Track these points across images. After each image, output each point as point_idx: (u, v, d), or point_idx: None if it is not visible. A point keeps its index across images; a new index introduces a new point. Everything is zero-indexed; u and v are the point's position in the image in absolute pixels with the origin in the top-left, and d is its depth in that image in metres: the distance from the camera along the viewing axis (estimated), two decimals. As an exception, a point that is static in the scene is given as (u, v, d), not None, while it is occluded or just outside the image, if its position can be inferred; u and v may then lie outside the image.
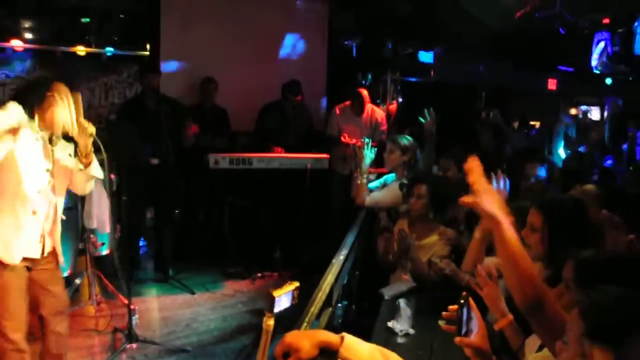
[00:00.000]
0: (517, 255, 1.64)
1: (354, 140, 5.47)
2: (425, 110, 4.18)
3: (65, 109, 2.82)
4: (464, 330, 1.63)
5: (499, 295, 2.17)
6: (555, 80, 7.80)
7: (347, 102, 5.79)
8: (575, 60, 6.97)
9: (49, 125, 2.83)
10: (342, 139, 5.56)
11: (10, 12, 6.09)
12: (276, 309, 1.37)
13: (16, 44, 6.04)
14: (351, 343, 1.33)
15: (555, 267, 2.13)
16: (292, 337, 1.34)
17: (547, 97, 8.05)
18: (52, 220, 2.94)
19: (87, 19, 6.35)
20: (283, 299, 1.38)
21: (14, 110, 2.70)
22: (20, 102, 2.77)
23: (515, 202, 2.70)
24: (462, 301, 1.62)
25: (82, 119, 2.82)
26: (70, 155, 2.94)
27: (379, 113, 5.91)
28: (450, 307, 1.71)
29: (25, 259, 2.82)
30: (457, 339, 1.66)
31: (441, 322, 2.69)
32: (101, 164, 3.06)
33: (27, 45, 6.11)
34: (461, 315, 1.62)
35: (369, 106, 5.80)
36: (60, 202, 2.99)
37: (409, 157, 3.89)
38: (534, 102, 8.17)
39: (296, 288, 1.41)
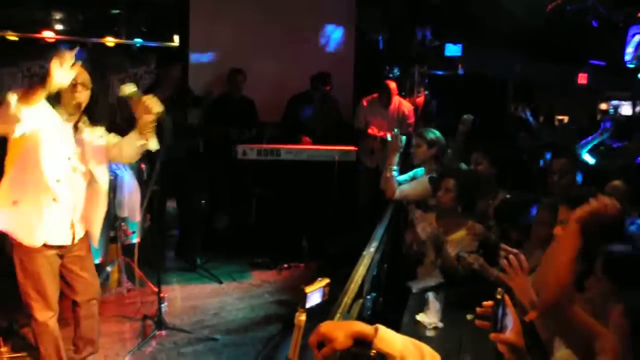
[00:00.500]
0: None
1: (381, 133, 5.47)
2: (465, 117, 4.23)
3: (82, 92, 2.84)
4: (498, 326, 1.63)
5: (530, 286, 2.17)
6: (585, 75, 7.65)
7: (375, 95, 5.78)
8: (607, 54, 6.83)
9: (73, 109, 2.86)
10: (369, 131, 5.56)
11: (42, 3, 6.20)
12: (307, 305, 1.39)
13: (48, 35, 6.15)
14: (385, 334, 1.33)
15: (589, 261, 2.13)
16: (327, 328, 1.35)
17: (577, 92, 7.92)
18: (83, 207, 2.98)
19: (117, 10, 6.44)
20: (314, 295, 1.40)
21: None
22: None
23: (546, 199, 2.68)
24: (498, 297, 1.62)
25: (146, 99, 2.86)
26: (100, 136, 2.98)
27: (406, 106, 5.89)
28: (485, 302, 1.71)
29: (55, 246, 2.89)
30: (492, 335, 1.65)
31: (469, 316, 2.71)
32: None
33: (59, 37, 6.21)
34: (497, 311, 1.62)
35: (396, 99, 5.78)
36: (102, 179, 3.02)
37: (436, 150, 3.88)
38: (564, 96, 8.04)
39: (327, 284, 1.43)
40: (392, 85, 5.71)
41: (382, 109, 5.72)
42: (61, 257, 2.97)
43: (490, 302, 1.68)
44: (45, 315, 2.91)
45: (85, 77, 2.86)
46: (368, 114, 5.72)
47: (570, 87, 7.73)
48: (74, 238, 2.96)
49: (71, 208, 2.92)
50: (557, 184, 3.36)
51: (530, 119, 5.55)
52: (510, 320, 1.67)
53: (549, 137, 5.57)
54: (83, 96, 2.86)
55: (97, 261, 4.07)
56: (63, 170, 2.85)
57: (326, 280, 1.43)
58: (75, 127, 2.92)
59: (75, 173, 2.91)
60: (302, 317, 1.38)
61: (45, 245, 2.85)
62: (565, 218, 2.21)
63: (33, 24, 6.07)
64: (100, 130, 3.01)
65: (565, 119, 8.09)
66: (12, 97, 2.52)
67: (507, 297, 1.70)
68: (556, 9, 5.60)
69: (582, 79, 7.52)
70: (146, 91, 5.28)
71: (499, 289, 1.68)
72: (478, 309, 1.85)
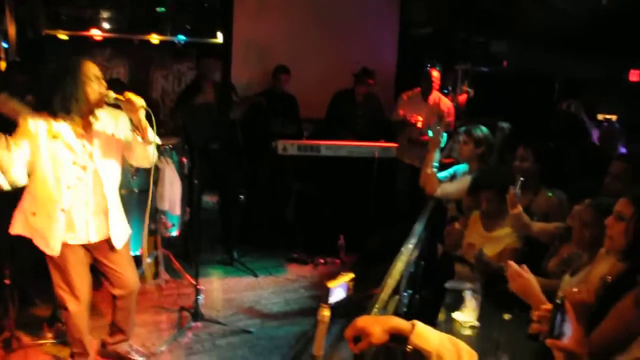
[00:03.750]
0: None
1: (420, 117, 5.37)
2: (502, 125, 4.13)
3: (98, 85, 2.79)
4: (556, 332, 1.57)
5: (533, 285, 2.17)
6: (637, 71, 7.35)
7: (415, 90, 5.69)
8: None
9: (93, 105, 2.81)
10: (412, 119, 5.44)
11: (90, 3, 6.38)
12: (331, 300, 1.37)
13: (96, 33, 6.33)
14: (422, 330, 1.31)
15: (635, 261, 2.03)
16: (364, 322, 1.33)
17: (628, 89, 7.60)
18: (103, 208, 2.94)
19: (163, 9, 6.56)
20: (338, 290, 1.38)
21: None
22: (53, 96, 2.74)
23: (596, 200, 2.58)
24: (557, 302, 1.56)
25: (129, 94, 2.76)
26: (116, 125, 2.93)
27: (446, 103, 5.76)
28: (544, 306, 1.66)
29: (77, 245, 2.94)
30: (549, 341, 1.60)
31: (507, 316, 2.65)
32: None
33: (106, 34, 6.38)
34: (555, 316, 1.56)
35: (435, 94, 5.67)
36: (114, 175, 2.98)
37: (483, 150, 3.78)
38: (613, 94, 7.74)
39: (351, 279, 1.41)
40: (435, 74, 5.56)
41: (422, 102, 5.60)
42: (91, 250, 3.01)
43: (549, 306, 1.62)
44: (74, 305, 2.97)
45: (95, 67, 2.82)
46: (406, 107, 5.61)
47: (620, 84, 7.43)
48: (89, 236, 2.94)
49: (83, 209, 2.89)
50: (611, 186, 3.21)
51: (572, 107, 5.33)
52: (569, 328, 1.60)
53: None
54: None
55: (137, 253, 4.17)
56: (71, 176, 2.82)
57: (350, 275, 1.41)
58: (87, 124, 2.86)
59: (87, 172, 2.86)
60: (325, 313, 1.36)
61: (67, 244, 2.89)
62: (623, 211, 2.10)
63: (82, 23, 6.25)
64: (120, 117, 2.93)
65: (614, 117, 7.77)
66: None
67: (568, 304, 1.63)
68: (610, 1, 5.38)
69: (634, 75, 7.22)
70: (188, 87, 5.47)
71: (559, 294, 1.62)
72: (535, 313, 1.79)
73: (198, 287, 3.89)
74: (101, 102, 2.83)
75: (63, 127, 2.78)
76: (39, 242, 2.87)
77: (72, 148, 2.80)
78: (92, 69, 2.80)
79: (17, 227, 2.90)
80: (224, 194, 5.34)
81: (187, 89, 5.40)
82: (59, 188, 2.80)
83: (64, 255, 2.89)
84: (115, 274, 3.09)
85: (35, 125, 2.73)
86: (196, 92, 5.04)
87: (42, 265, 3.02)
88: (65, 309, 2.99)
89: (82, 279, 2.98)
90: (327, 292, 1.35)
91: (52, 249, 2.85)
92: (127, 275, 3.14)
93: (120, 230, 3.06)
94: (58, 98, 2.72)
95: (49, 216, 2.83)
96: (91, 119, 2.86)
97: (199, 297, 3.90)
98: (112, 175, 2.98)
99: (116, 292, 3.13)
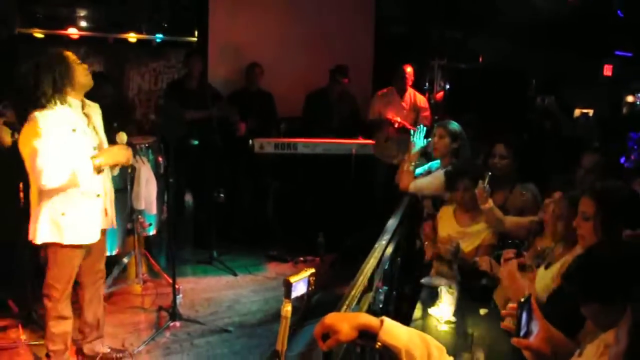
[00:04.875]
0: None
1: (398, 118, 5.42)
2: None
3: (83, 68, 2.91)
4: (523, 331, 1.56)
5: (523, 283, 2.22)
6: (611, 66, 7.47)
7: (390, 87, 5.73)
8: (634, 45, 6.66)
9: (83, 90, 2.93)
10: (389, 116, 5.48)
11: (66, 1, 6.28)
12: (293, 295, 1.38)
13: (72, 31, 6.22)
14: (390, 327, 1.31)
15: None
16: (332, 319, 1.32)
17: (602, 84, 7.71)
18: (110, 194, 3.15)
19: (139, 6, 6.49)
20: (300, 285, 1.39)
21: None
22: (48, 90, 2.75)
23: (568, 193, 2.60)
24: (522, 300, 1.55)
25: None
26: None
27: (421, 99, 5.82)
28: (510, 305, 1.65)
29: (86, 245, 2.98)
30: (514, 340, 1.58)
31: (482, 311, 2.67)
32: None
33: (82, 33, 6.28)
34: (521, 315, 1.55)
35: (410, 91, 5.72)
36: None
37: (459, 144, 3.80)
38: (588, 88, 7.85)
39: (312, 274, 1.42)
40: (409, 69, 5.62)
41: (397, 99, 5.65)
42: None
43: (514, 305, 1.62)
44: (67, 304, 3.01)
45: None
46: (382, 105, 5.65)
47: (594, 80, 7.54)
48: (109, 223, 3.12)
49: (103, 196, 3.01)
50: (584, 179, 3.25)
51: (547, 102, 5.42)
52: (536, 326, 1.59)
53: (570, 130, 5.45)
54: None
55: (115, 252, 4.14)
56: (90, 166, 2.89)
57: (311, 270, 1.42)
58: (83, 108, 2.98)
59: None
60: (287, 308, 1.37)
61: (81, 247, 2.94)
62: (587, 211, 2.12)
63: (58, 21, 6.15)
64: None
65: (590, 112, 7.88)
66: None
67: (534, 302, 1.62)
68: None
69: (608, 70, 7.34)
70: (173, 84, 5.47)
71: (525, 292, 1.62)
72: (502, 312, 1.79)
73: (176, 286, 3.86)
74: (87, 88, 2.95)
75: (74, 119, 2.84)
76: (71, 239, 2.87)
77: (89, 134, 2.92)
78: (71, 56, 2.89)
79: (44, 236, 2.86)
80: (202, 193, 5.31)
81: (174, 85, 5.45)
82: (88, 176, 2.84)
83: (73, 261, 2.94)
84: (90, 260, 3.12)
85: (50, 123, 2.73)
86: (184, 88, 5.17)
87: (13, 268, 2.98)
88: (56, 307, 2.97)
89: (73, 277, 3.03)
90: (289, 287, 1.36)
91: (92, 236, 2.93)
92: (101, 264, 3.24)
93: None
94: (51, 87, 2.76)
95: (84, 206, 2.88)
96: (86, 109, 2.97)
97: (177, 296, 3.88)
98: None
99: (85, 279, 3.16)
